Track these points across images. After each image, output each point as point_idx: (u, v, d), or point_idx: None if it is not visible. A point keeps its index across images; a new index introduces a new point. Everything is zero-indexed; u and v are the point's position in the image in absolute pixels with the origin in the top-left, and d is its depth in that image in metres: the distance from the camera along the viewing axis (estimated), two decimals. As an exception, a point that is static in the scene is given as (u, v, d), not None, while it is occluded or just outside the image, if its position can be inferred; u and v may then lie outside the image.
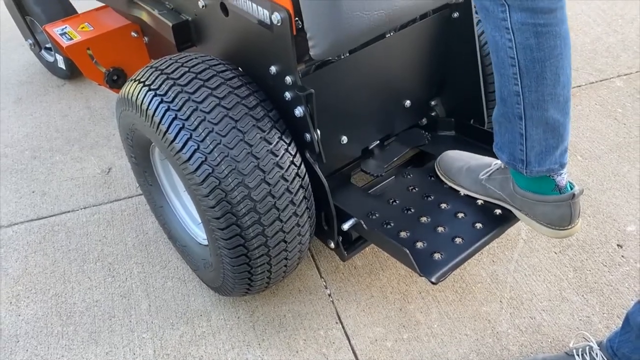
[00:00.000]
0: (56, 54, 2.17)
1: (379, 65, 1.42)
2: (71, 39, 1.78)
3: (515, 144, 1.20)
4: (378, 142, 1.53)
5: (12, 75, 2.33)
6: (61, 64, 2.18)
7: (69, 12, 2.11)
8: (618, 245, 1.62)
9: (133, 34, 1.82)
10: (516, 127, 1.18)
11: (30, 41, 2.21)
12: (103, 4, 1.89)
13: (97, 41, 1.78)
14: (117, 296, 1.54)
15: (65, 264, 1.63)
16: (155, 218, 1.63)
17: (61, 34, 1.81)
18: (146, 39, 1.83)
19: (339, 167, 1.48)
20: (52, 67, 2.28)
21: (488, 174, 1.34)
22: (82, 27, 1.83)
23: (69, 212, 1.77)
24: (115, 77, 1.84)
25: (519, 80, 1.11)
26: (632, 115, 2.05)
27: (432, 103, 1.60)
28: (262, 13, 1.14)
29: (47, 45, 2.23)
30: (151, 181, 1.51)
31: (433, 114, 1.61)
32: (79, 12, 2.08)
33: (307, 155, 1.25)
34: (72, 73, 2.23)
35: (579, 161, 1.87)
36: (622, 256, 1.58)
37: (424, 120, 1.62)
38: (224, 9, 1.26)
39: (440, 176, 1.46)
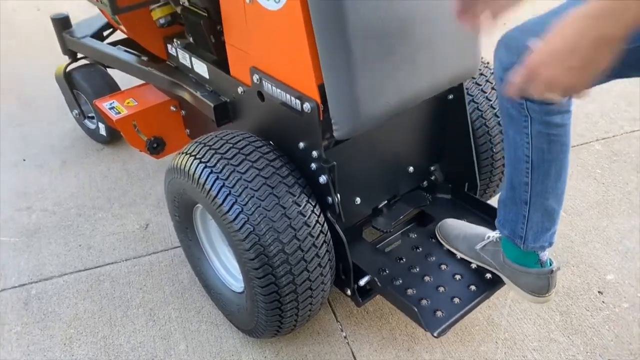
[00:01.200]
0: (98, 122, 2.45)
1: (387, 139, 1.68)
2: (119, 112, 2.06)
3: (518, 223, 1.44)
4: (386, 202, 1.78)
5: (57, 141, 2.60)
6: (102, 131, 2.45)
7: (111, 86, 2.40)
8: (599, 292, 1.84)
9: (172, 108, 2.10)
10: (521, 210, 1.42)
11: (76, 111, 2.50)
12: (144, 82, 2.17)
13: (141, 115, 2.05)
14: (158, 338, 1.75)
15: (111, 309, 1.84)
16: (190, 268, 1.86)
17: (110, 108, 2.08)
18: (183, 112, 2.11)
19: (353, 223, 1.72)
20: (92, 133, 2.55)
21: (482, 245, 1.58)
22: (128, 102, 2.11)
23: (112, 263, 2.00)
24: (155, 145, 2.10)
25: (530, 173, 1.35)
26: (610, 175, 2.31)
27: (432, 168, 1.85)
28: (295, 102, 1.41)
29: (90, 115, 2.51)
30: (191, 237, 1.75)
31: (432, 178, 1.86)
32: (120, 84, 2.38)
33: (329, 215, 1.50)
34: (111, 139, 2.50)
35: (564, 217, 2.11)
36: (603, 302, 1.80)
37: (425, 183, 1.87)
38: (261, 96, 1.54)
39: (440, 240, 1.70)
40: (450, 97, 1.71)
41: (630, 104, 2.73)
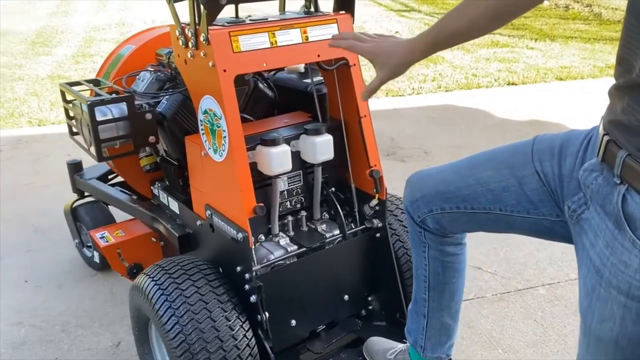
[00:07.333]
0: (94, 251, 2.79)
1: (321, 269, 1.95)
2: (107, 241, 2.40)
3: (419, 333, 1.67)
4: (324, 326, 2.00)
5: (58, 266, 2.94)
6: (96, 259, 2.78)
7: (108, 219, 2.77)
8: None
9: (153, 239, 2.43)
10: (421, 321, 1.66)
11: (77, 240, 2.86)
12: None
13: (125, 244, 2.39)
14: None
15: (70, 418, 2.01)
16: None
17: (100, 237, 2.43)
18: (162, 243, 2.44)
19: (290, 345, 1.92)
20: (88, 260, 2.88)
21: (394, 354, 1.79)
22: (117, 233, 2.46)
23: (81, 376, 2.21)
24: (134, 271, 2.40)
25: (427, 291, 1.61)
26: (550, 317, 2.48)
27: (369, 299, 2.09)
28: (233, 232, 1.73)
29: (88, 244, 2.87)
30: (147, 350, 1.98)
31: (370, 307, 2.09)
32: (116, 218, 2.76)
33: (259, 331, 1.73)
34: (103, 266, 2.82)
35: (500, 354, 2.26)
36: None
37: (364, 312, 2.09)
38: (212, 227, 1.86)
39: (365, 355, 1.90)
40: (378, 235, 2.00)
41: (578, 254, 2.95)
